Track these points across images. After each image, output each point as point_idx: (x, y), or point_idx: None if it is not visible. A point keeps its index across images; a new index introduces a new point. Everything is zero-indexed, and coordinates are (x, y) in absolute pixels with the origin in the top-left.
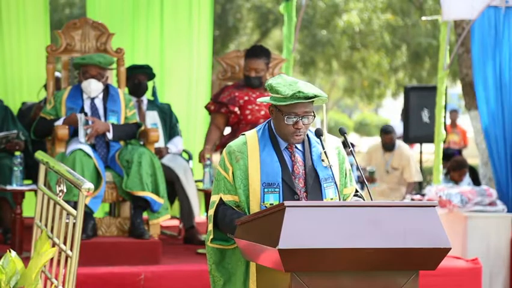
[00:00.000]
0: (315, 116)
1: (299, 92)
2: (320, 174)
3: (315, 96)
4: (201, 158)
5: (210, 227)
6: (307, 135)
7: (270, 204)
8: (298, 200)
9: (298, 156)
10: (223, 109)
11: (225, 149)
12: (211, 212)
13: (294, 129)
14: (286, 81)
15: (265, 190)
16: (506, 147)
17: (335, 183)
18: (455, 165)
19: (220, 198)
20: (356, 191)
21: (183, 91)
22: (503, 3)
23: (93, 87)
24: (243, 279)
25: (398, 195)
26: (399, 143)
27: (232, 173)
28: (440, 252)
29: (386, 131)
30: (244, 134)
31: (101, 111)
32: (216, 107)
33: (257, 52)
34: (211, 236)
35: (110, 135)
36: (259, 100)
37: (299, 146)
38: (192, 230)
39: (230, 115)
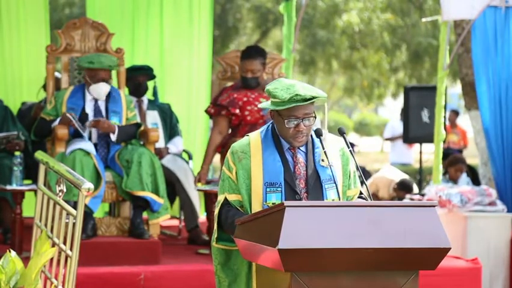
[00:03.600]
0: (315, 117)
1: (296, 95)
2: (321, 176)
3: (313, 98)
4: (199, 180)
5: (215, 227)
6: (311, 136)
7: (273, 203)
8: (300, 200)
9: (301, 157)
10: (224, 111)
11: (229, 149)
12: (216, 211)
13: (296, 131)
14: (283, 85)
15: (268, 189)
16: (505, 147)
17: (336, 183)
18: (451, 160)
19: (225, 198)
20: (361, 193)
21: (183, 91)
22: (503, 3)
23: (104, 91)
24: (246, 280)
25: None
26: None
27: (236, 172)
28: (440, 252)
29: (407, 188)
30: (248, 135)
31: (103, 112)
32: (217, 110)
33: (252, 53)
34: (216, 236)
35: (114, 138)
36: (260, 106)
37: (302, 147)
38: (196, 230)
39: (231, 117)
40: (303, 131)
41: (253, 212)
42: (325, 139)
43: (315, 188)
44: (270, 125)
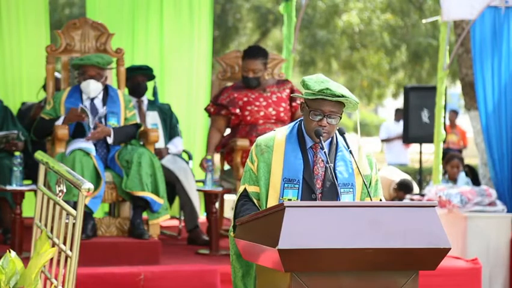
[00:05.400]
0: (341, 118)
1: (327, 89)
2: (338, 179)
3: (342, 96)
4: (202, 165)
5: (232, 217)
6: (336, 138)
7: (289, 199)
8: (315, 199)
9: (321, 157)
10: (224, 111)
11: (254, 142)
12: (235, 202)
13: (318, 126)
14: (318, 78)
15: (285, 185)
16: (504, 147)
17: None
18: (446, 158)
19: (245, 189)
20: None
21: (183, 91)
22: (503, 3)
23: (92, 88)
24: (254, 274)
25: None
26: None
27: (257, 165)
28: (440, 252)
29: (406, 188)
30: (274, 130)
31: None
32: (216, 109)
33: (254, 53)
34: (233, 225)
35: (110, 140)
36: (292, 95)
37: (325, 147)
38: (196, 230)
39: (231, 117)
40: (326, 127)
41: (268, 206)
42: (358, 145)
43: (331, 190)
44: (298, 123)
